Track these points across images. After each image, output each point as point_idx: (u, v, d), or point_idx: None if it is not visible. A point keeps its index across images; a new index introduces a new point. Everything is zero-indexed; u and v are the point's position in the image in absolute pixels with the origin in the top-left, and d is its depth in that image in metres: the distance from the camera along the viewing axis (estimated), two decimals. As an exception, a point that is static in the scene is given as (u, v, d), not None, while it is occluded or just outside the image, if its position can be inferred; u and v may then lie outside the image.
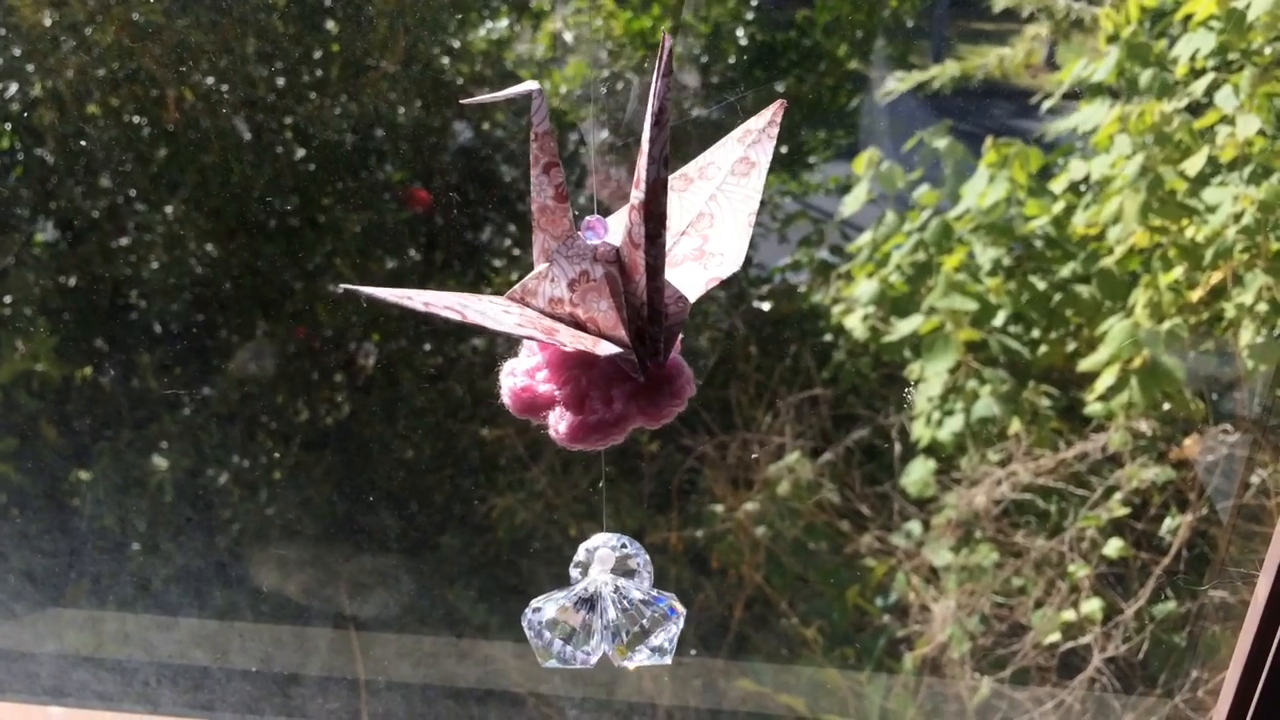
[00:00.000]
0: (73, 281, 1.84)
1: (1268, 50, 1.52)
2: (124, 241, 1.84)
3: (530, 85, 0.45)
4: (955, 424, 1.67)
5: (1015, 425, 1.65)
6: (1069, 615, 1.56)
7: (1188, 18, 1.57)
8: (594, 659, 0.52)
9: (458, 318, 0.45)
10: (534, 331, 0.46)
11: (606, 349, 0.46)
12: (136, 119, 1.77)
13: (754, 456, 1.77)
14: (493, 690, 1.70)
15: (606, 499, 1.79)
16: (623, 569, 0.53)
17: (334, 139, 1.83)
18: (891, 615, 1.72)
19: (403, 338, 1.94)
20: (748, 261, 2.10)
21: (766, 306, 2.02)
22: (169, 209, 1.82)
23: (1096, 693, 1.51)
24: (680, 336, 0.49)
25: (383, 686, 1.64)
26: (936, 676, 1.63)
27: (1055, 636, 1.56)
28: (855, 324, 1.82)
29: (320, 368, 1.92)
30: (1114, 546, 1.55)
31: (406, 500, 1.88)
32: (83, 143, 1.79)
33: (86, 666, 1.63)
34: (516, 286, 0.49)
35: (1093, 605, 1.55)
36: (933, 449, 1.71)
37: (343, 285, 0.48)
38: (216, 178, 1.80)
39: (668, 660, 0.53)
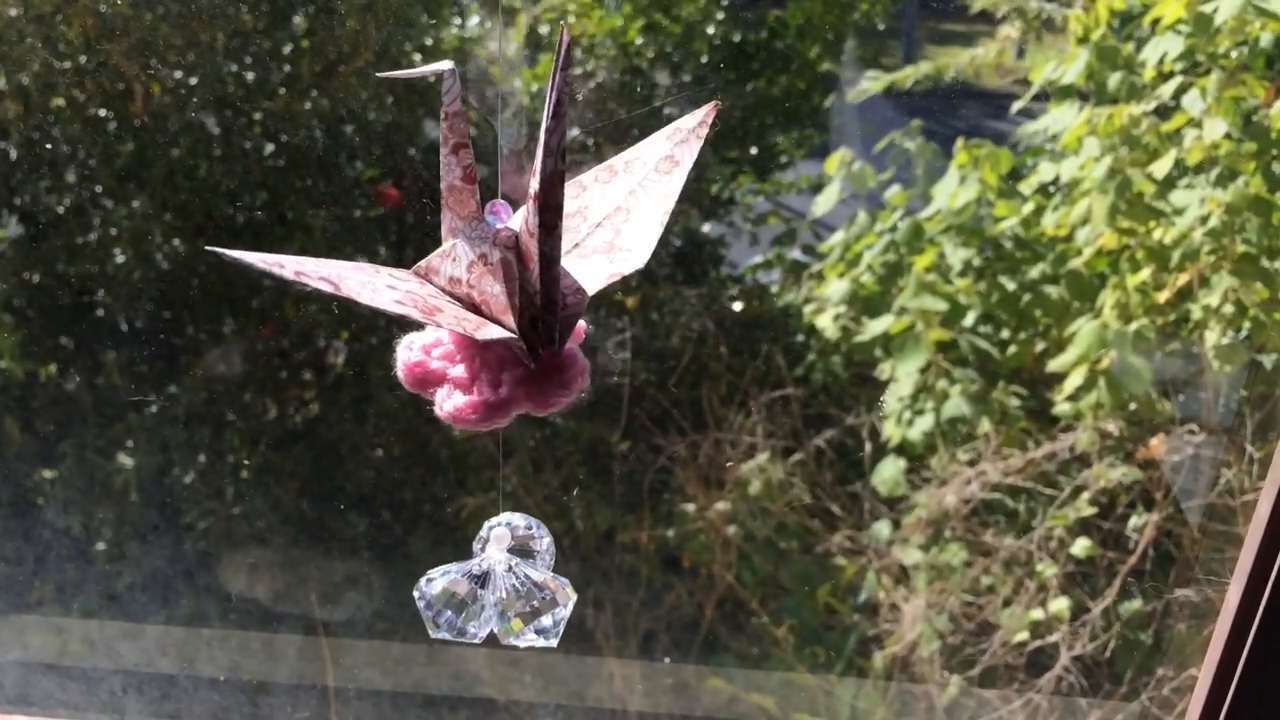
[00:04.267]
0: (37, 278, 1.81)
1: (1234, 54, 1.53)
2: (90, 238, 1.82)
3: (444, 65, 0.45)
4: (926, 423, 1.68)
5: (985, 425, 1.66)
6: (1037, 614, 1.57)
7: (1156, 21, 1.58)
8: (482, 634, 0.53)
9: (331, 289, 0.44)
10: (412, 310, 0.45)
11: (488, 333, 0.46)
12: (103, 114, 1.75)
13: (728, 464, 1.77)
14: (464, 697, 1.69)
15: (578, 498, 1.78)
16: (523, 549, 0.53)
17: (304, 136, 1.82)
18: (862, 614, 1.72)
19: (373, 336, 1.92)
20: (720, 260, 2.09)
21: (738, 306, 2.02)
22: (135, 205, 1.80)
23: (1064, 691, 1.53)
24: (584, 329, 0.49)
25: (352, 695, 1.63)
26: (906, 675, 1.64)
27: (1023, 635, 1.57)
28: (827, 324, 1.82)
29: (288, 366, 1.91)
30: (1081, 546, 1.57)
31: (376, 500, 1.87)
32: (48, 138, 1.77)
33: (51, 674, 1.61)
34: (422, 262, 0.49)
35: (1060, 604, 1.56)
36: (903, 448, 1.71)
37: (209, 247, 0.47)
38: (184, 174, 1.78)
39: (553, 643, 0.53)
